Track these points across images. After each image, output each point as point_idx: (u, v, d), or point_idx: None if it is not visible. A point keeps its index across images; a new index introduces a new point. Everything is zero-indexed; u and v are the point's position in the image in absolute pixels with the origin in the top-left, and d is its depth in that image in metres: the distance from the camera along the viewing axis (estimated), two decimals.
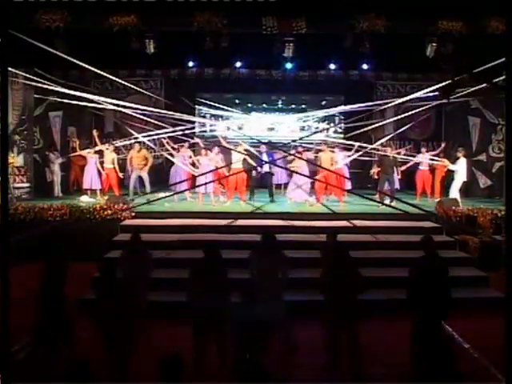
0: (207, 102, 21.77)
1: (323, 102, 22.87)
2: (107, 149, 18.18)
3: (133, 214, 15.21)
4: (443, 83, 14.68)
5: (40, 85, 15.40)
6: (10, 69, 15.45)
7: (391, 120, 19.16)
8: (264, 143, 19.13)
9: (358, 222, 14.70)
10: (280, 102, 23.59)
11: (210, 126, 22.36)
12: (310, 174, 18.02)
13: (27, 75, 15.84)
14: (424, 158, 18.17)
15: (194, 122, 20.36)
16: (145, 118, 18.12)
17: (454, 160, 17.35)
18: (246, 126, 22.95)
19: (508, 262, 4.78)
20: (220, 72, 20.95)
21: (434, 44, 16.02)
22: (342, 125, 22.35)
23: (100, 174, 18.30)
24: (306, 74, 21.01)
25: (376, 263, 12.26)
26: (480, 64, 11.76)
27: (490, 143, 18.89)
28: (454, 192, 16.89)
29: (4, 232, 5.33)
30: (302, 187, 16.84)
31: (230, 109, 21.31)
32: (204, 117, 22.67)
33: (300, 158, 16.69)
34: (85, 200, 17.21)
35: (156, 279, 11.30)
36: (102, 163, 18.29)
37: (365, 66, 19.89)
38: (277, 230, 13.97)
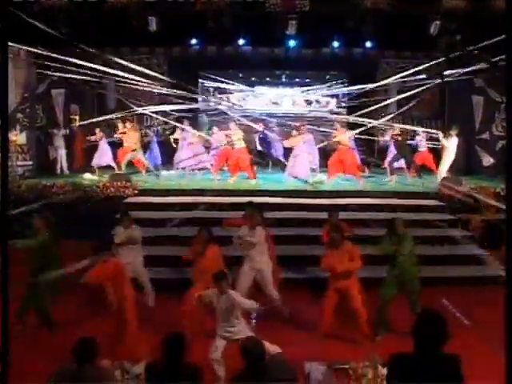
0: (211, 75, 21.69)
1: (327, 76, 22.73)
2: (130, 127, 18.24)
3: (136, 191, 15.27)
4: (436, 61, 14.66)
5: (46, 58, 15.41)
6: (12, 46, 15.45)
7: (393, 100, 19.12)
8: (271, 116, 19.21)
9: (362, 200, 14.75)
10: (284, 76, 23.48)
11: (215, 101, 22.36)
12: (318, 151, 18.13)
13: (31, 49, 15.83)
14: (421, 141, 18.03)
15: (197, 100, 20.40)
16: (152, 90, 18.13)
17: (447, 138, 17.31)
18: (249, 100, 22.92)
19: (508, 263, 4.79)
20: (223, 50, 20.85)
21: (438, 22, 15.94)
22: (346, 99, 22.34)
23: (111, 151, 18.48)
24: (309, 52, 20.90)
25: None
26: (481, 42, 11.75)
27: (494, 122, 18.80)
28: (444, 170, 16.86)
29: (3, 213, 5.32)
30: (304, 164, 16.84)
31: (233, 82, 21.27)
32: (208, 91, 22.69)
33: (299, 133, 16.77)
34: (88, 177, 17.25)
35: (159, 256, 11.49)
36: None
37: (368, 44, 19.78)
38: (278, 207, 14.13)
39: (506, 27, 4.87)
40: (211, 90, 22.78)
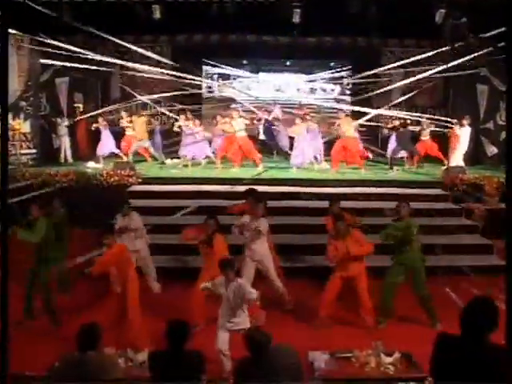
0: (215, 62, 21.60)
1: (331, 64, 22.62)
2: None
3: (139, 180, 15.29)
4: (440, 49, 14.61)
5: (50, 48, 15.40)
6: (16, 34, 15.45)
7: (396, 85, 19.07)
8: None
9: (364, 190, 14.75)
10: (288, 63, 23.35)
11: (218, 87, 22.35)
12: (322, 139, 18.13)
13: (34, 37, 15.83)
14: (424, 130, 17.98)
15: (200, 88, 20.40)
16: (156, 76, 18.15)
17: (459, 127, 17.30)
18: (253, 88, 22.87)
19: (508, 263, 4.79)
20: (227, 38, 20.78)
21: (443, 10, 15.88)
22: (350, 85, 22.29)
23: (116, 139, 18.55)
24: (312, 40, 20.82)
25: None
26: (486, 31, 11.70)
27: (498, 111, 18.74)
28: (457, 159, 16.91)
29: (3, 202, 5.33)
30: (307, 152, 16.85)
31: (237, 69, 21.22)
32: (212, 78, 22.67)
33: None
34: (92, 166, 17.27)
35: (164, 245, 11.55)
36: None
37: (372, 32, 19.69)
38: (282, 196, 14.14)
39: (506, 22, 4.86)
40: (215, 77, 22.76)
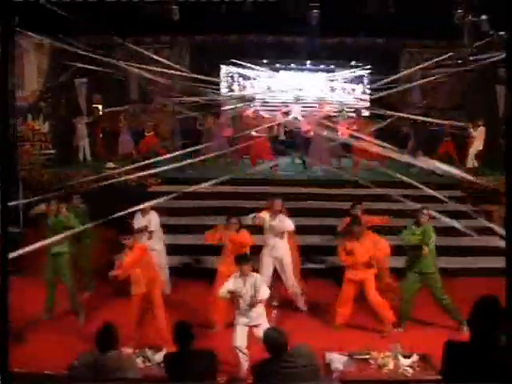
0: (235, 61, 21.54)
1: (352, 63, 22.52)
2: None
3: (159, 180, 15.32)
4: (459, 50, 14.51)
5: (67, 47, 15.43)
6: (35, 35, 15.53)
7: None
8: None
9: (382, 190, 14.65)
10: (308, 63, 23.27)
11: (239, 87, 22.38)
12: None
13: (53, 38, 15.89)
14: (444, 130, 17.91)
15: (219, 89, 20.41)
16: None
17: (475, 128, 17.21)
18: (273, 87, 22.83)
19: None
20: (245, 38, 20.76)
21: (462, 10, 15.79)
22: (369, 87, 22.18)
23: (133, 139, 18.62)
24: (331, 41, 20.77)
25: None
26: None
27: None
28: (472, 160, 16.82)
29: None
30: (327, 152, 16.80)
31: (257, 68, 21.18)
32: (232, 78, 22.68)
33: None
34: (111, 166, 17.31)
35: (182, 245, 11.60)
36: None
37: (391, 33, 19.61)
38: (300, 197, 14.13)
39: (506, 27, 4.84)
40: (236, 76, 22.75)
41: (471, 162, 16.85)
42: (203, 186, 10.64)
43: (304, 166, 17.58)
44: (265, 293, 7.63)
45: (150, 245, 10.12)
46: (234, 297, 7.84)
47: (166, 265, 10.88)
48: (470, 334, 4.20)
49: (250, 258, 7.89)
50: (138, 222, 10.49)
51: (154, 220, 10.59)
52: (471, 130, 16.99)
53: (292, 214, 10.81)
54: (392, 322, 9.22)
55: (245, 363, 7.51)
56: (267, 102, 20.76)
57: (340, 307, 9.28)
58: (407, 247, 9.37)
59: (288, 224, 9.90)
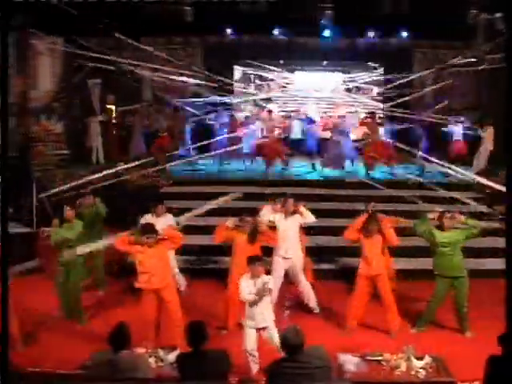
0: (252, 62, 21.60)
1: (368, 64, 22.46)
2: None
3: (171, 181, 15.34)
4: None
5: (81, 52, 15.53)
6: (48, 35, 15.64)
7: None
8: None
9: (396, 192, 14.61)
10: (325, 63, 23.12)
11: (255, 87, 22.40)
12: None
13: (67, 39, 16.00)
14: (457, 130, 17.84)
15: (231, 90, 20.41)
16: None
17: (484, 129, 17.11)
18: (289, 87, 22.77)
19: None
20: (258, 39, 20.75)
21: (475, 10, 15.73)
22: (382, 88, 22.11)
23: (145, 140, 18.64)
24: (344, 42, 20.73)
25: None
26: None
27: None
28: (482, 161, 16.72)
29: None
30: (341, 153, 16.76)
31: (274, 69, 21.17)
32: (248, 78, 22.71)
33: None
34: (123, 167, 17.33)
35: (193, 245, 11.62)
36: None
37: (404, 34, 19.58)
38: (313, 197, 14.09)
39: (505, 29, 4.82)
40: (252, 77, 22.74)
41: (482, 162, 16.71)
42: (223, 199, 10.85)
43: (313, 167, 17.51)
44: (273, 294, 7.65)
45: None
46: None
47: (176, 266, 10.89)
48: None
49: (261, 259, 7.88)
50: (153, 222, 10.47)
51: (169, 221, 10.60)
52: (480, 130, 16.89)
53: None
54: (398, 324, 9.18)
55: (255, 366, 7.52)
56: (283, 103, 20.70)
57: (353, 308, 9.25)
58: (436, 249, 9.22)
59: (293, 223, 9.92)
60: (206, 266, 11.94)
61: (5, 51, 5.55)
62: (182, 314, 8.49)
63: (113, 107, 19.76)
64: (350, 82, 22.26)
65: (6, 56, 5.60)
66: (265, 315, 7.65)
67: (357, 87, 22.77)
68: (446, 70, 17.41)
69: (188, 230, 11.40)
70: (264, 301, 7.61)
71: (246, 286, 7.61)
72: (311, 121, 19.10)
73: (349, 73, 22.01)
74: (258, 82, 22.55)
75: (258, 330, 7.63)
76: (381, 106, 20.23)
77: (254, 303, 7.57)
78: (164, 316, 8.51)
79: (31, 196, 13.60)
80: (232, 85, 20.60)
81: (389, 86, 20.12)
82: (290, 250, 9.86)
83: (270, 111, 18.77)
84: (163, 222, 10.41)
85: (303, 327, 6.12)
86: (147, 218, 10.53)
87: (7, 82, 6.40)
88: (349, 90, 22.60)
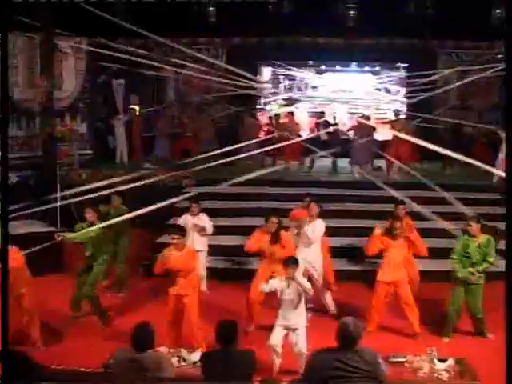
0: (280, 63, 21.51)
1: (396, 65, 22.38)
2: None
3: (193, 181, 15.38)
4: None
5: (105, 52, 15.58)
6: (72, 36, 15.74)
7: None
8: None
9: (416, 193, 14.51)
10: (354, 64, 23.13)
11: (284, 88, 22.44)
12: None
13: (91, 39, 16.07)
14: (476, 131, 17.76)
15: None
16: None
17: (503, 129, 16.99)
18: (318, 88, 22.78)
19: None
20: (282, 40, 20.69)
21: (501, 10, 15.60)
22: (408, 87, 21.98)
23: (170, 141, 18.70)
24: (368, 42, 20.64)
25: (437, 234, 12.03)
26: None
27: None
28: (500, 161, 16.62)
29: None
30: (365, 153, 16.70)
31: (302, 70, 21.13)
32: (277, 79, 22.70)
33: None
34: (147, 167, 17.41)
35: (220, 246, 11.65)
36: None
37: (428, 34, 19.44)
38: (336, 198, 14.07)
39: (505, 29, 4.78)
40: (281, 77, 22.76)
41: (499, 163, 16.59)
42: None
43: (334, 168, 17.46)
44: (308, 286, 7.64)
45: (197, 245, 10.22)
46: (275, 298, 7.84)
47: (205, 266, 10.93)
48: None
49: (298, 262, 7.89)
50: (187, 221, 10.54)
51: (203, 220, 10.67)
52: (499, 131, 16.77)
53: (326, 216, 10.76)
54: (419, 329, 9.12)
55: (278, 360, 7.53)
56: (312, 104, 20.69)
57: (372, 313, 9.20)
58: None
59: (318, 229, 9.88)
60: (234, 266, 11.97)
61: (5, 51, 5.60)
62: (202, 315, 8.51)
63: (137, 107, 19.82)
64: (379, 83, 22.18)
65: (6, 56, 5.65)
66: (297, 318, 7.65)
67: (385, 88, 22.71)
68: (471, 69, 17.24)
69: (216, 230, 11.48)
70: (301, 302, 7.63)
71: (278, 283, 7.64)
72: (340, 121, 19.07)
73: (378, 74, 21.92)
74: (287, 82, 22.60)
75: (288, 330, 7.63)
76: (404, 107, 20.11)
77: (290, 304, 7.58)
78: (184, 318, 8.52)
79: (55, 195, 13.69)
80: (256, 88, 20.61)
81: (413, 87, 20.06)
82: (309, 256, 9.82)
83: (291, 113, 18.69)
84: (197, 222, 10.51)
85: (325, 328, 6.12)
86: (184, 218, 10.60)
87: (7, 82, 6.46)
88: (378, 91, 22.54)
